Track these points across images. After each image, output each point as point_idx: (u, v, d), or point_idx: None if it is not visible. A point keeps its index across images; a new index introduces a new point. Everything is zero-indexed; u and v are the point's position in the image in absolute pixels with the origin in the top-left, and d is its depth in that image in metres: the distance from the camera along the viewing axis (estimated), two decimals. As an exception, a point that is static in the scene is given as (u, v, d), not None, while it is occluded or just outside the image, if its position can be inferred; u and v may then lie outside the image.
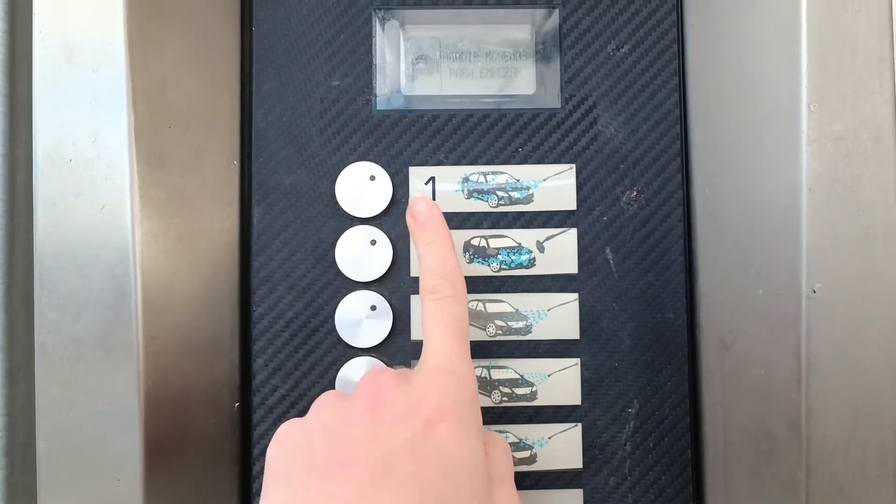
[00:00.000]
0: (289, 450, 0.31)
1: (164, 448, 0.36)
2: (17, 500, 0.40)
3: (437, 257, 0.34)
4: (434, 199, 0.40)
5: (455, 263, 0.35)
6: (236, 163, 0.40)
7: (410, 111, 0.40)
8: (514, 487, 0.33)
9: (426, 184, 0.40)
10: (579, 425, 0.39)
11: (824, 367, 0.35)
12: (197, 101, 0.38)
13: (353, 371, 0.39)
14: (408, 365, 0.39)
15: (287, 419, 0.39)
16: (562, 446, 0.39)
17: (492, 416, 0.39)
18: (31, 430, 0.39)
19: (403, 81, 0.41)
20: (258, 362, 0.39)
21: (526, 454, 0.39)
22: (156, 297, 0.36)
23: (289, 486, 0.30)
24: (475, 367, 0.40)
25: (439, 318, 0.33)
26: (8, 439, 0.40)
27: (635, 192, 0.40)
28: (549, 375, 0.40)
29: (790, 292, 0.35)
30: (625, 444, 0.39)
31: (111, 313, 0.35)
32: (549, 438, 0.39)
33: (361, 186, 0.40)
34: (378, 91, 0.40)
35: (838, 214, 0.35)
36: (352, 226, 0.40)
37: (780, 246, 0.36)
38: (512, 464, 0.33)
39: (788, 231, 0.35)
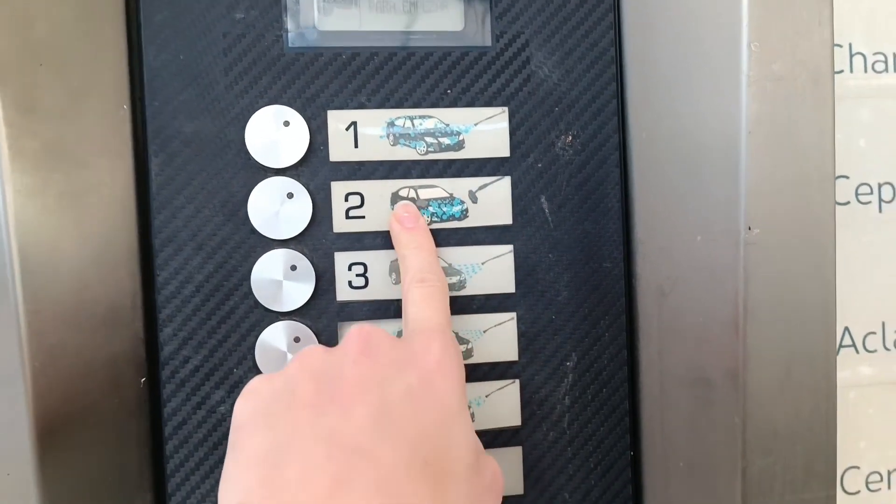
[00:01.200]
0: (265, 397, 0.28)
1: (58, 436, 0.32)
2: None
3: (424, 258, 0.35)
4: (356, 146, 0.36)
5: (440, 267, 0.36)
6: (126, 108, 0.34)
7: (327, 48, 0.36)
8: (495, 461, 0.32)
9: (347, 129, 0.36)
10: (517, 382, 0.38)
11: (761, 313, 0.35)
12: (72, 36, 0.33)
13: (273, 337, 0.36)
14: (335, 330, 0.36)
15: (202, 392, 0.36)
16: (500, 404, 0.38)
17: (426, 378, 0.37)
18: None
19: (317, 15, 0.36)
20: (165, 332, 0.35)
21: (462, 415, 0.38)
22: (36, 265, 0.31)
23: (271, 428, 0.27)
24: (407, 327, 0.37)
25: (430, 302, 0.33)
26: None
27: (570, 137, 0.38)
28: (484, 331, 0.38)
29: (728, 238, 0.35)
30: (563, 399, 0.38)
31: (-17, 285, 0.30)
32: (487, 397, 0.38)
33: (274, 133, 0.36)
34: (289, 26, 0.36)
35: (776, 158, 0.34)
36: (265, 177, 0.36)
37: (719, 191, 0.35)
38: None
39: (727, 175, 0.34)
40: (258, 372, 0.36)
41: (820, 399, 0.35)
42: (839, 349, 0.56)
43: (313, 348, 0.31)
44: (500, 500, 0.31)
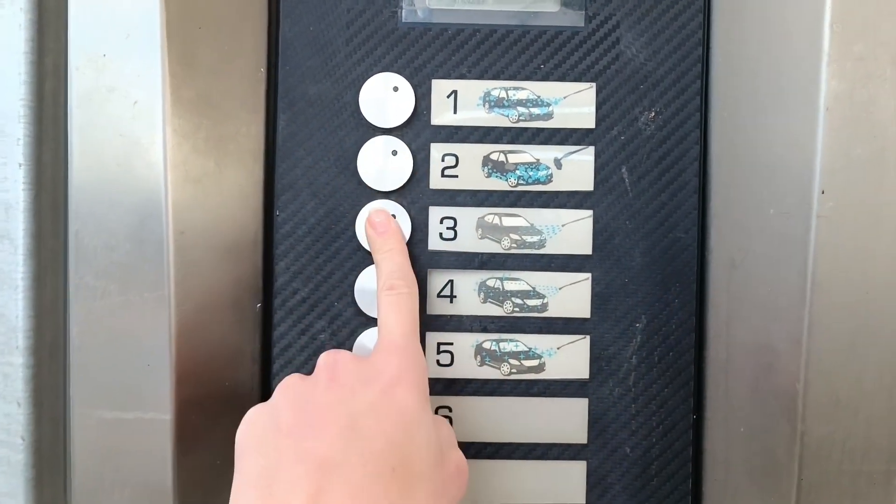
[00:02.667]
0: (258, 426, 0.34)
1: (191, 340, 0.38)
2: (45, 396, 0.42)
3: (395, 262, 0.38)
4: (455, 112, 0.41)
5: (410, 269, 0.39)
6: (263, 70, 0.40)
7: (435, 24, 0.41)
8: (461, 453, 0.36)
9: (448, 97, 0.41)
10: (588, 337, 0.41)
11: (828, 286, 0.36)
12: (226, 6, 0.39)
13: (371, 278, 0.41)
14: (425, 275, 0.41)
15: (306, 321, 0.41)
16: (570, 357, 0.41)
17: (503, 326, 0.41)
18: (58, 330, 0.41)
19: (429, -3, 0.41)
20: (280, 265, 0.41)
21: (535, 363, 0.41)
22: (185, 193, 0.37)
23: (261, 454, 0.32)
24: (489, 279, 0.41)
25: (396, 309, 0.37)
26: (35, 339, 0.41)
27: (653, 113, 0.41)
28: (560, 288, 0.41)
29: (801, 212, 0.36)
30: (631, 358, 0.41)
31: (143, 207, 0.36)
32: (558, 349, 0.41)
33: (385, 97, 0.40)
34: (404, 3, 0.41)
35: (853, 136, 0.36)
36: (374, 136, 0.41)
37: (794, 166, 0.36)
38: (454, 435, 0.36)
39: (803, 151, 0.36)
40: (356, 307, 0.41)
41: (884, 372, 0.36)
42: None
43: (291, 378, 0.35)
44: (465, 487, 0.35)
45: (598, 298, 0.41)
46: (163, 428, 0.37)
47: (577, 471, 0.41)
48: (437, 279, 0.41)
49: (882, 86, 0.35)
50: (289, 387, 0.35)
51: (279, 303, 0.41)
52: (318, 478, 0.30)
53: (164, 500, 0.38)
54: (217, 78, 0.38)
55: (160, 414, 0.37)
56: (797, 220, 0.36)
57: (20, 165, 0.39)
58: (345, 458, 0.31)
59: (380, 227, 0.39)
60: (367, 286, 0.41)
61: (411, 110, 0.41)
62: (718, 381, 0.40)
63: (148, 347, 0.37)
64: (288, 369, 0.41)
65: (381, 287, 0.38)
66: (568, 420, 0.41)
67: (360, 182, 0.41)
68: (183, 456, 0.37)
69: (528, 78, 0.41)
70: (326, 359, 0.36)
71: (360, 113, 0.41)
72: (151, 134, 0.36)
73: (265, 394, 0.41)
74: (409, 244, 0.41)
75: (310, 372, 0.41)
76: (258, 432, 0.33)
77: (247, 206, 0.40)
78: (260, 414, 0.34)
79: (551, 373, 0.41)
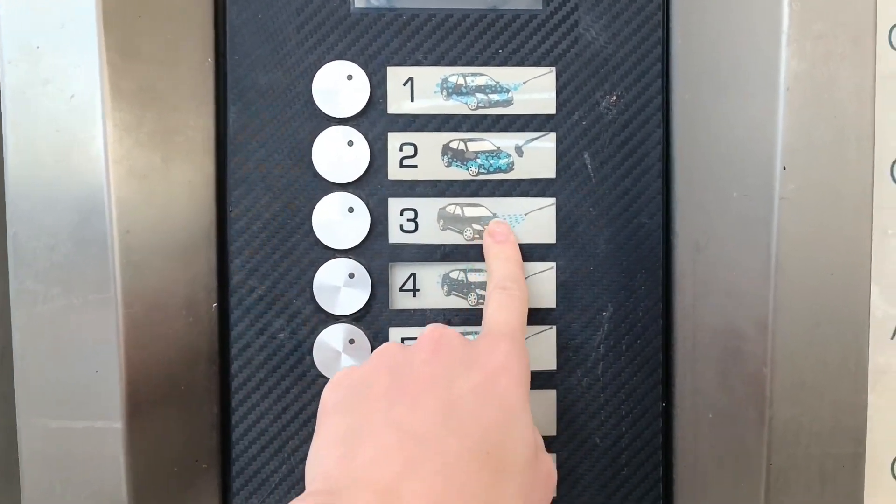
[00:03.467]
0: (348, 386, 0.32)
1: (141, 343, 0.36)
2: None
3: (510, 269, 0.38)
4: (412, 100, 0.39)
5: (524, 279, 0.39)
6: (211, 60, 0.39)
7: (389, 10, 0.39)
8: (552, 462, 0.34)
9: (404, 84, 0.39)
10: (554, 328, 0.40)
11: (792, 268, 0.36)
12: (168, -7, 0.37)
13: (330, 272, 0.39)
14: (386, 268, 0.40)
15: (265, 319, 0.39)
16: (536, 348, 0.40)
17: (468, 318, 0.40)
18: (6, 339, 0.39)
19: (382, -19, 0.40)
20: (235, 263, 0.39)
21: (501, 355, 0.40)
22: (129, 190, 0.35)
23: (350, 414, 0.31)
24: (452, 271, 0.40)
25: (507, 306, 0.36)
26: None
27: (615, 97, 0.40)
28: (525, 279, 0.40)
29: (764, 194, 0.36)
30: (598, 347, 0.40)
31: (84, 204, 0.34)
32: (525, 340, 0.40)
33: (339, 86, 0.39)
34: (356, -12, 0.39)
35: (814, 116, 0.35)
36: (329, 126, 0.39)
37: (756, 147, 0.36)
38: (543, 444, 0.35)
39: (765, 132, 0.35)
40: (315, 304, 0.39)
41: (849, 353, 0.36)
42: (895, 334, 0.56)
43: (390, 345, 0.34)
44: (552, 495, 0.33)
45: (564, 287, 0.40)
46: (114, 436, 0.35)
47: (546, 463, 0.40)
48: (399, 273, 0.40)
49: (842, 65, 0.35)
50: (387, 352, 0.33)
51: (236, 301, 0.40)
52: (410, 447, 0.28)
53: (119, 511, 0.36)
54: (161, 69, 0.37)
55: (111, 422, 0.35)
56: (760, 202, 0.36)
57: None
58: (438, 435, 0.29)
59: (499, 236, 0.39)
60: (326, 282, 0.39)
61: (366, 99, 0.39)
62: (686, 367, 0.39)
63: (95, 353, 0.35)
64: (247, 369, 0.40)
65: (494, 286, 0.37)
66: (537, 413, 0.40)
67: (316, 174, 0.39)
68: (137, 465, 0.36)
69: (486, 63, 0.40)
70: (432, 333, 0.34)
71: (314, 103, 0.39)
72: (91, 128, 0.35)
73: (224, 396, 0.40)
74: (368, 238, 0.40)
75: (272, 370, 0.40)
76: (348, 393, 0.32)
77: (198, 202, 0.39)
78: (352, 375, 0.33)
79: (518, 365, 0.40)
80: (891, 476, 0.56)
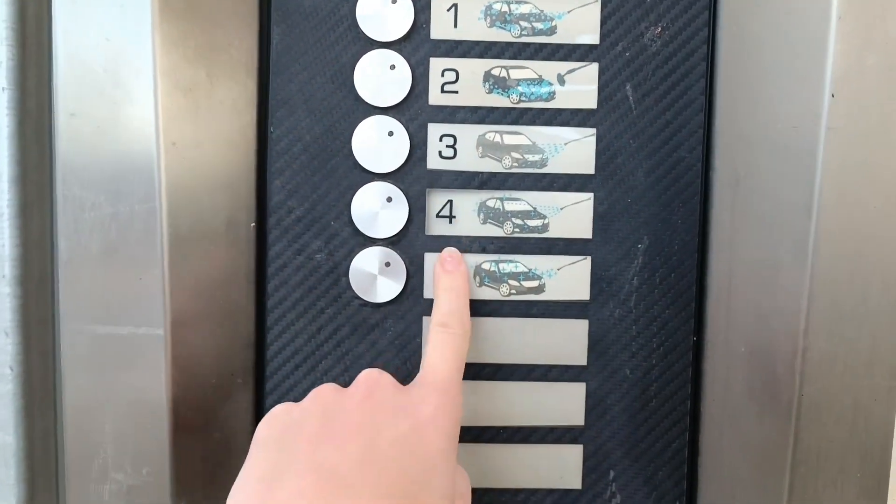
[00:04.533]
0: (281, 424, 0.33)
1: (183, 255, 0.37)
2: (33, 328, 0.41)
3: (454, 303, 0.38)
4: (456, 25, 0.39)
5: (468, 312, 0.39)
6: (256, -22, 0.39)
7: (435, -69, 0.39)
8: None
9: (448, 10, 0.39)
10: (588, 258, 0.40)
11: (835, 199, 0.35)
12: None
13: (368, 196, 0.40)
14: (423, 194, 0.40)
15: (303, 240, 0.40)
16: (570, 278, 0.40)
17: (502, 246, 0.40)
18: (46, 264, 0.40)
19: None
20: (275, 184, 0.40)
21: (534, 284, 0.40)
22: (174, 102, 0.36)
23: (277, 451, 0.32)
24: (489, 199, 0.40)
25: (444, 348, 0.36)
26: (22, 269, 0.40)
27: (660, 29, 0.40)
28: (561, 209, 0.40)
29: (810, 124, 0.36)
30: (632, 279, 0.40)
31: (131, 113, 0.35)
32: (559, 270, 0.40)
33: (382, 10, 0.39)
34: (403, -90, 0.39)
35: (865, 44, 0.35)
36: (371, 49, 0.39)
37: (805, 75, 0.35)
38: (470, 490, 0.36)
39: (815, 60, 0.35)
40: (353, 227, 0.40)
41: (890, 286, 0.35)
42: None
43: (326, 387, 0.35)
44: None
45: (600, 219, 0.40)
46: (157, 343, 0.36)
47: (576, 392, 0.41)
48: (436, 199, 0.40)
49: (896, -7, 0.34)
50: (322, 395, 0.35)
51: (274, 222, 0.40)
52: (327, 489, 0.29)
53: (159, 418, 0.37)
54: (208, -16, 0.37)
55: (154, 329, 0.36)
56: (806, 132, 0.36)
57: (3, 90, 0.38)
58: (357, 480, 0.30)
59: (449, 265, 0.39)
60: (364, 205, 0.40)
61: (410, 24, 0.39)
62: (720, 301, 0.39)
63: (139, 260, 0.36)
64: (283, 289, 0.40)
65: (435, 322, 0.38)
66: (567, 342, 0.40)
67: (358, 97, 0.39)
68: (177, 374, 0.37)
69: (530, -10, 0.39)
70: (367, 377, 0.35)
71: (357, 26, 0.39)
72: (140, 38, 0.35)
73: (260, 315, 0.40)
74: (407, 162, 0.40)
75: (308, 291, 0.40)
76: (279, 428, 0.33)
77: (240, 120, 0.39)
78: (287, 412, 0.34)
79: (551, 294, 0.40)
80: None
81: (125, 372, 0.36)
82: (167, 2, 0.35)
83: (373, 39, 0.39)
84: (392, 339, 0.40)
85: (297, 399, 0.40)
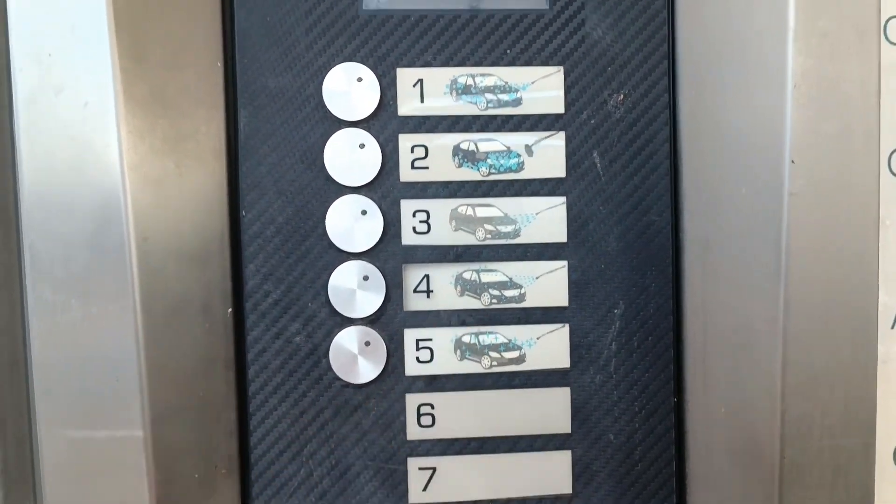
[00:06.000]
0: None
1: (160, 350, 0.36)
2: (8, 415, 0.40)
3: None
4: (422, 101, 0.40)
5: None
6: (220, 64, 0.39)
7: (397, 10, 0.39)
8: None
9: (414, 86, 0.40)
10: (567, 326, 0.41)
11: (802, 263, 0.36)
12: (176, -1, 0.37)
13: (345, 275, 0.39)
14: (399, 270, 0.40)
15: (280, 323, 0.39)
16: (550, 346, 0.41)
17: (481, 318, 0.40)
18: (17, 348, 0.39)
19: (389, -16, 0.40)
20: (250, 268, 0.39)
21: (515, 354, 0.40)
22: (145, 197, 0.35)
23: None
24: (465, 271, 0.40)
25: None
26: None
27: (622, 96, 0.40)
28: (536, 278, 0.40)
29: (773, 189, 0.36)
30: (610, 344, 0.41)
31: (100, 212, 0.34)
32: (538, 339, 0.41)
33: (349, 88, 0.39)
34: (364, -9, 0.39)
35: (821, 112, 0.36)
36: (340, 129, 0.39)
37: (764, 143, 0.36)
38: None
39: (773, 128, 0.36)
40: (330, 307, 0.40)
41: (859, 345, 0.36)
42: (894, 324, 0.57)
43: None
44: None
45: (576, 286, 0.41)
46: (136, 445, 0.35)
47: (562, 460, 0.41)
48: (413, 274, 0.40)
49: (848, 61, 0.36)
50: None
51: (251, 306, 0.40)
52: None
53: (139, 519, 0.36)
54: (171, 73, 0.36)
55: (133, 431, 0.35)
56: (768, 197, 0.37)
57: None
58: None
59: None
60: (340, 285, 0.40)
61: (377, 101, 0.39)
62: (697, 363, 0.40)
63: (115, 361, 0.35)
64: (264, 374, 0.40)
65: None
66: (551, 410, 0.41)
67: (328, 177, 0.39)
68: (159, 473, 0.36)
69: (494, 63, 0.40)
70: None
71: (325, 105, 0.39)
72: (105, 135, 0.34)
73: (241, 401, 0.40)
74: (382, 240, 0.40)
75: (288, 374, 0.40)
76: None
77: (211, 207, 0.38)
78: None
79: (532, 363, 0.40)
80: (893, 464, 0.57)
81: (105, 476, 0.35)
82: (131, 94, 0.35)
83: (340, 119, 0.39)
84: (376, 419, 0.40)
85: (283, 486, 0.40)
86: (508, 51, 0.40)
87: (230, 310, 0.39)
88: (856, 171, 0.36)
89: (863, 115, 0.36)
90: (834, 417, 0.36)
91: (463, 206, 0.40)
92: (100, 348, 0.35)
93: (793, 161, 0.35)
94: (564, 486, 0.41)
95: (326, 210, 0.39)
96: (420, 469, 0.40)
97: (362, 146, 0.39)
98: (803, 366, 0.36)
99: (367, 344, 0.40)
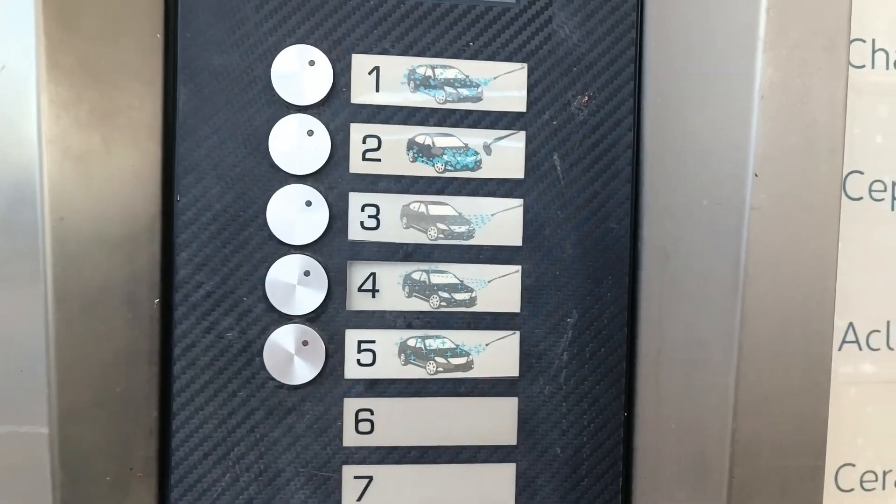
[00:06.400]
0: None
1: (74, 341, 0.33)
2: None
3: None
4: (378, 90, 0.37)
5: None
6: (159, 36, 0.36)
7: (356, -7, 0.37)
8: None
9: (370, 73, 0.37)
10: (517, 333, 0.39)
11: (760, 279, 0.35)
12: (116, -39, 0.34)
13: (285, 269, 0.37)
14: (344, 266, 0.37)
15: (212, 317, 0.37)
16: (499, 354, 0.39)
17: (429, 321, 0.38)
18: None
19: (349, -36, 0.38)
20: (182, 256, 0.37)
21: (462, 361, 0.38)
22: (64, 173, 0.32)
23: None
24: (415, 272, 0.38)
25: None
26: None
27: (587, 98, 0.39)
28: (489, 282, 0.39)
29: (734, 203, 0.35)
30: (562, 354, 0.39)
31: (13, 188, 0.31)
32: (487, 346, 0.39)
33: (300, 72, 0.37)
34: (321, -31, 0.37)
35: (787, 125, 0.35)
36: (287, 114, 0.37)
37: (728, 155, 0.35)
38: None
39: (737, 140, 0.35)
40: (267, 303, 0.37)
41: (813, 366, 0.35)
42: (842, 345, 0.57)
43: None
44: None
45: (529, 292, 0.39)
46: (41, 443, 0.32)
47: (506, 474, 0.39)
48: (358, 272, 0.38)
49: (816, 75, 0.35)
50: None
51: (181, 297, 0.37)
52: None
53: (43, 524, 0.33)
54: (104, 42, 0.34)
55: (37, 427, 0.32)
56: (730, 210, 0.35)
57: None
58: None
59: None
60: (279, 279, 0.37)
61: (329, 87, 0.37)
62: (650, 376, 0.39)
63: (21, 350, 0.32)
64: (191, 371, 0.37)
65: None
66: (497, 420, 0.39)
67: (273, 165, 0.37)
68: (66, 474, 0.33)
69: (455, 56, 0.38)
70: None
71: (273, 88, 0.37)
72: (23, 103, 0.31)
73: (164, 400, 0.37)
74: (326, 234, 0.37)
75: (218, 372, 0.37)
76: None
77: (142, 189, 0.36)
78: None
79: (480, 371, 0.39)
80: (835, 486, 0.57)
81: (4, 475, 0.32)
82: (56, 62, 0.32)
83: (289, 103, 0.37)
84: (310, 423, 0.38)
85: (205, 491, 0.37)
86: (471, 43, 0.38)
87: (157, 300, 0.36)
88: (818, 187, 0.35)
89: (828, 131, 0.35)
90: (785, 437, 0.35)
91: (415, 202, 0.38)
92: (4, 336, 0.32)
93: (756, 174, 0.34)
94: (507, 500, 0.39)
95: (268, 199, 0.37)
96: (355, 477, 0.38)
97: (311, 133, 0.37)
98: (756, 384, 0.35)
99: (305, 343, 0.37)
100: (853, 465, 0.57)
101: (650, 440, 0.39)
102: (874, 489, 0.58)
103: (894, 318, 0.56)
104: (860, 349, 0.56)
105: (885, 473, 0.58)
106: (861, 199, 0.55)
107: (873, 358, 0.56)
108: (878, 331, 0.56)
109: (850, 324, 0.56)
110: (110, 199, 0.34)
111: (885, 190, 0.55)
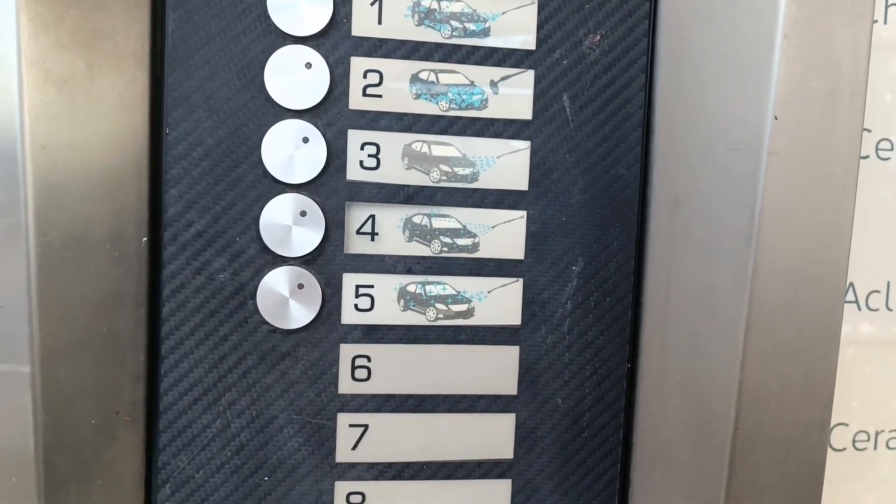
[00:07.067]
0: None
1: (56, 277, 0.31)
2: None
3: None
4: (380, 22, 0.35)
5: None
6: (148, -45, 0.33)
7: (359, -85, 0.35)
8: None
9: (372, 4, 0.35)
10: (520, 281, 0.38)
11: (775, 227, 0.34)
12: None
13: (279, 209, 0.35)
14: (342, 207, 0.36)
15: (203, 257, 0.35)
16: (501, 301, 0.37)
17: (430, 267, 0.37)
18: None
19: None
20: (171, 193, 0.35)
21: (463, 308, 0.37)
22: (45, 97, 0.30)
23: None
24: (416, 215, 0.37)
25: None
26: None
27: (599, 37, 0.37)
28: (492, 227, 0.37)
29: (752, 148, 0.34)
30: (566, 303, 0.38)
31: (-11, 110, 0.29)
32: (489, 293, 0.37)
33: (298, 0, 0.35)
34: None
35: (809, 68, 0.33)
36: (284, 44, 0.35)
37: (748, 98, 0.34)
38: None
39: (758, 80, 0.33)
40: (261, 243, 0.35)
41: (825, 318, 0.35)
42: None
43: None
44: None
45: (533, 238, 0.37)
46: (22, 382, 0.31)
47: (505, 424, 0.38)
48: (357, 214, 0.36)
49: (840, 16, 0.33)
50: None
51: (170, 236, 0.35)
52: None
53: (27, 468, 0.32)
54: (88, -42, 0.31)
55: (18, 366, 0.30)
56: (747, 156, 0.34)
57: None
58: None
59: None
60: (274, 219, 0.35)
61: (329, 17, 0.35)
62: (656, 327, 0.38)
63: (7, 278, 0.30)
64: (181, 313, 0.35)
65: None
66: (497, 370, 0.38)
67: (268, 98, 0.35)
68: (48, 416, 0.31)
69: (463, -13, 0.36)
70: None
71: (269, 17, 0.35)
72: (2, 20, 0.29)
73: (153, 342, 0.35)
74: (324, 173, 0.36)
75: (209, 315, 0.35)
76: None
77: (128, 120, 0.34)
78: None
79: (481, 318, 0.37)
80: (829, 447, 0.57)
81: (-17, 416, 0.31)
82: (36, -23, 0.30)
83: (286, 33, 0.35)
84: (305, 370, 0.36)
85: (195, 437, 0.36)
86: (479, -27, 0.36)
87: (145, 239, 0.34)
88: (839, 134, 0.34)
89: (852, 75, 0.33)
90: (792, 389, 0.35)
91: (418, 142, 0.36)
92: (-17, 269, 0.30)
93: (776, 117, 0.33)
94: (506, 450, 0.38)
95: (263, 134, 0.35)
96: (350, 426, 0.37)
97: (309, 66, 0.35)
98: (766, 335, 0.34)
99: (301, 286, 0.36)
100: (847, 425, 0.57)
101: (653, 391, 0.38)
102: (866, 448, 0.58)
103: (895, 278, 0.56)
104: (859, 309, 0.55)
105: (877, 434, 0.58)
106: (868, 157, 0.54)
107: (872, 318, 0.55)
108: (878, 291, 0.56)
109: (851, 283, 0.55)
110: (95, 128, 0.32)
111: (891, 149, 0.54)
